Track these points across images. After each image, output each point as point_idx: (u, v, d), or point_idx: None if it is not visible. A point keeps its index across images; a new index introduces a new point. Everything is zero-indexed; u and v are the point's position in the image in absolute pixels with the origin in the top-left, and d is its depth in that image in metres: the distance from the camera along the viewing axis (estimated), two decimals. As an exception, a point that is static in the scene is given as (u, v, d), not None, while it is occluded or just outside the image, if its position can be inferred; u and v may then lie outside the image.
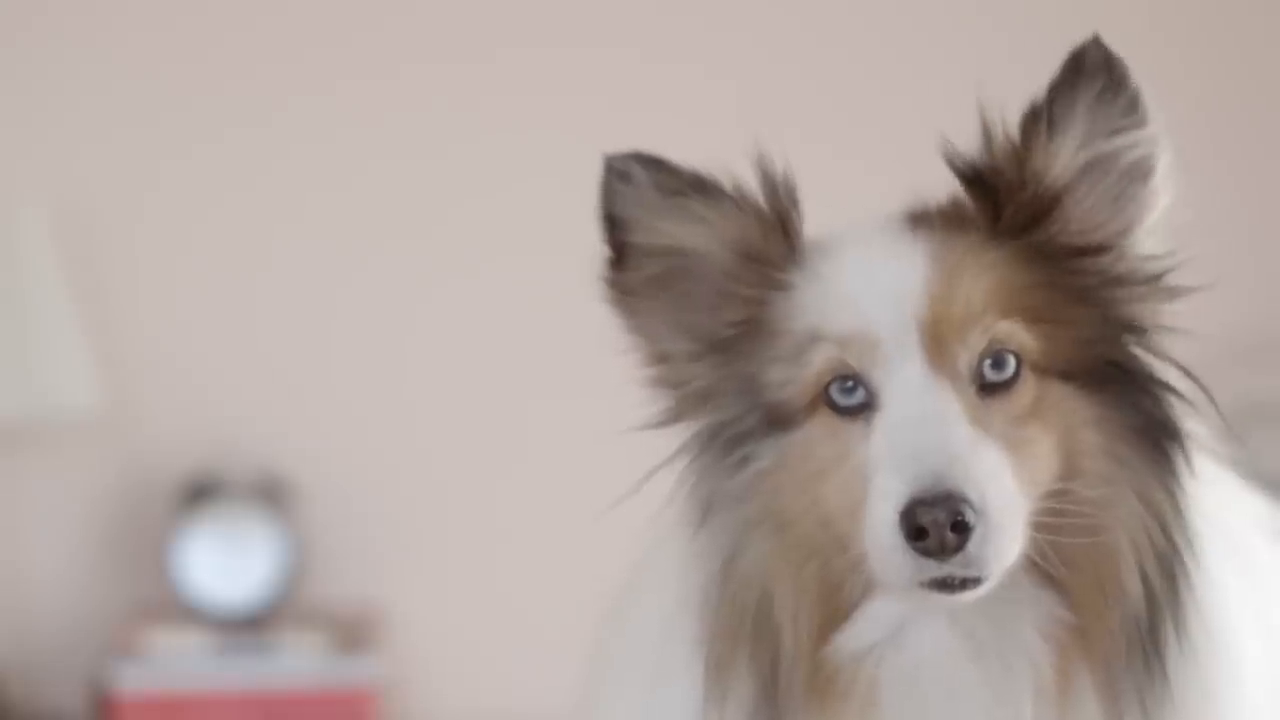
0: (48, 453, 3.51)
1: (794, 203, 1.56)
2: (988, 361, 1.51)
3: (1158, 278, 1.55)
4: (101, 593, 3.51)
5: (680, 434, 1.58)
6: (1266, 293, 3.52)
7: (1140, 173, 1.54)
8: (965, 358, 1.50)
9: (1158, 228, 1.55)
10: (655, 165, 1.56)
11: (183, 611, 3.41)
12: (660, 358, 1.58)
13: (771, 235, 1.55)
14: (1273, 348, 3.49)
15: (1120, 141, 1.53)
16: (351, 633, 3.41)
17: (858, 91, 3.46)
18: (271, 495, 3.44)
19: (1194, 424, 1.54)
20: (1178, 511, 1.52)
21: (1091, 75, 1.52)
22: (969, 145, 1.54)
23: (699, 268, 1.56)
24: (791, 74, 3.50)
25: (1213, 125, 3.47)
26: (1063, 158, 1.53)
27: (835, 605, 1.53)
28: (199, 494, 3.42)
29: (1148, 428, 1.52)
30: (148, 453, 3.50)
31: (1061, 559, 1.50)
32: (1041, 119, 1.52)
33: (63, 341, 3.36)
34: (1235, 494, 1.62)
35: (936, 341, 1.49)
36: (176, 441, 3.50)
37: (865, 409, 1.51)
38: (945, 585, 1.46)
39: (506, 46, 3.51)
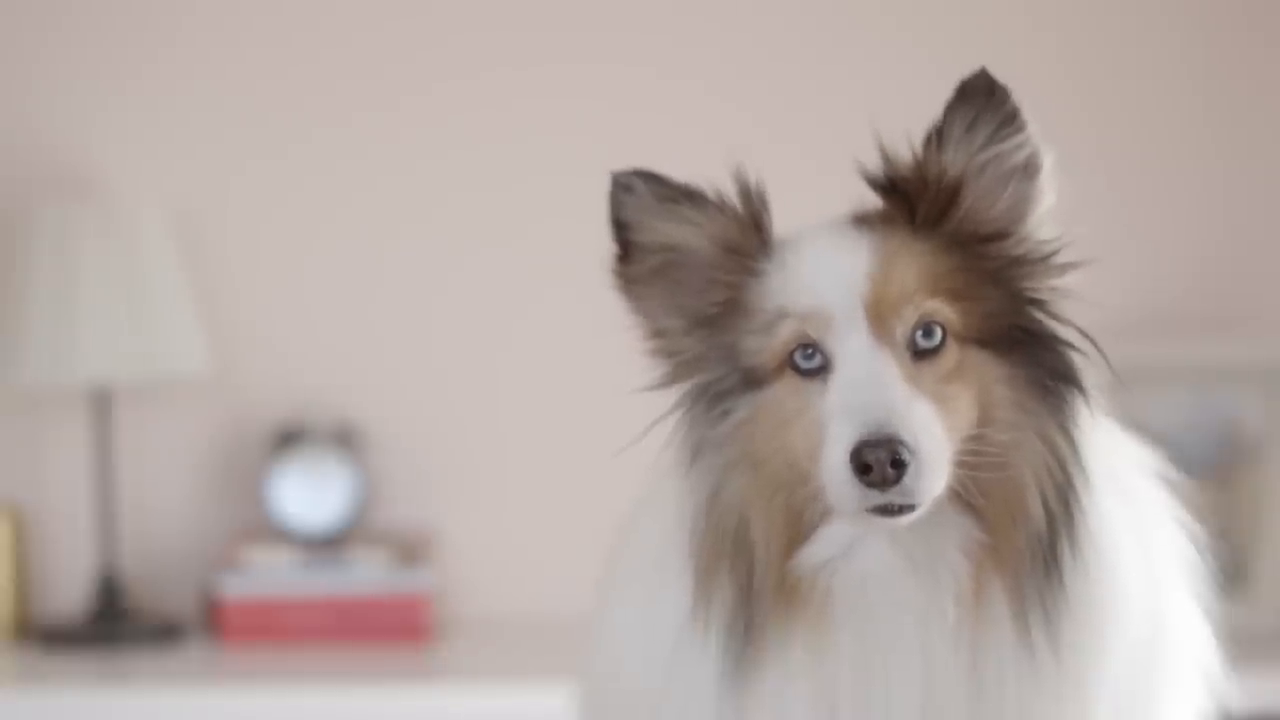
0: (167, 406, 3.51)
1: (765, 206, 1.56)
2: (919, 332, 1.51)
3: (1050, 257, 1.55)
4: (210, 518, 3.51)
5: (675, 393, 1.59)
6: (1147, 273, 3.50)
7: (1027, 172, 1.55)
8: (901, 329, 1.51)
9: (1048, 216, 1.56)
10: (653, 178, 1.57)
11: (275, 533, 3.41)
12: (658, 333, 1.59)
13: (747, 232, 1.56)
14: (1152, 320, 3.48)
15: (1001, 147, 1.53)
16: (409, 550, 3.41)
17: (820, 117, 3.45)
18: (346, 440, 3.44)
19: (1088, 378, 1.55)
20: (1073, 451, 1.52)
21: (972, 96, 1.53)
22: (873, 163, 1.55)
23: (689, 260, 1.57)
24: (768, 102, 3.50)
25: (1113, 141, 3.46)
26: (952, 163, 1.53)
27: (798, 528, 1.53)
28: (288, 439, 3.43)
29: (1049, 381, 1.53)
30: (246, 406, 3.50)
31: (979, 490, 1.51)
32: (934, 134, 1.53)
33: (178, 317, 3.36)
34: (1120, 439, 1.63)
35: (878, 317, 1.50)
36: (269, 397, 3.50)
37: (822, 371, 1.52)
38: (886, 511, 1.47)
39: (533, 67, 3.51)
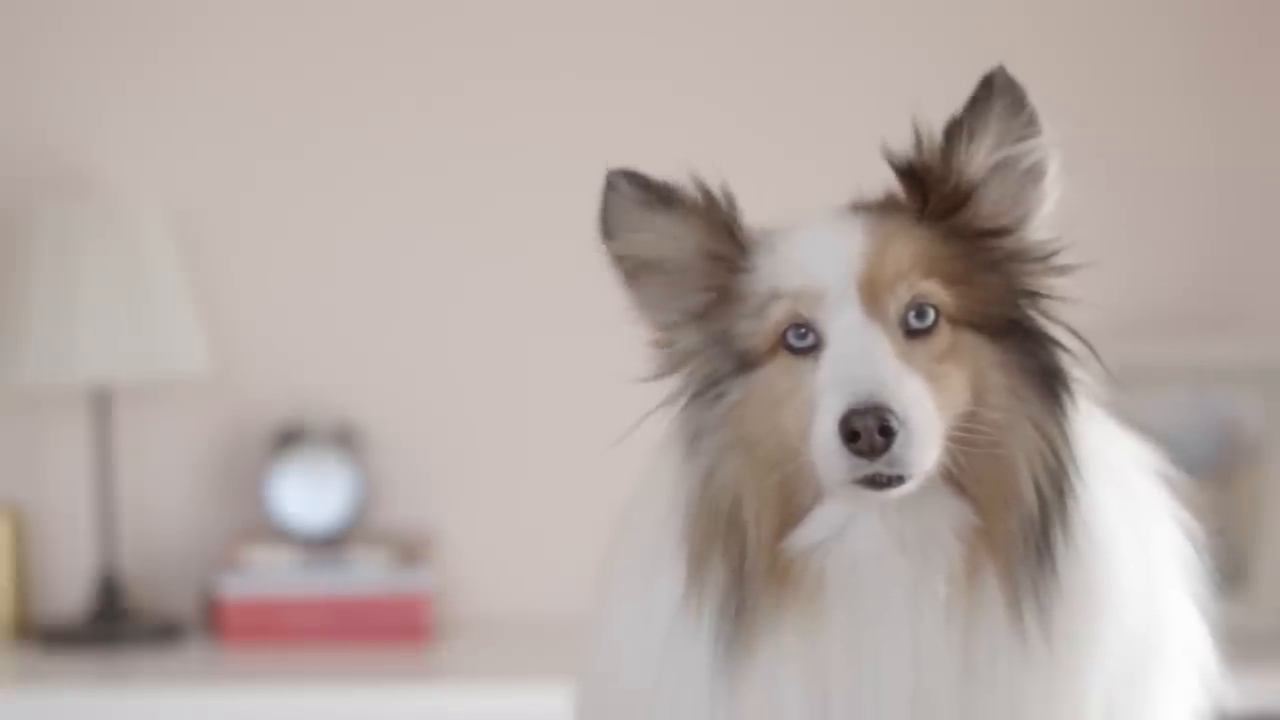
0: (167, 406, 3.52)
1: (734, 208, 1.58)
2: (912, 312, 1.52)
3: (1049, 257, 1.56)
4: (210, 518, 3.52)
5: (672, 383, 1.59)
6: (1147, 273, 3.51)
7: (1036, 173, 1.56)
8: (894, 307, 1.52)
9: (1050, 218, 1.56)
10: (636, 179, 1.58)
11: (275, 533, 3.41)
12: (657, 325, 1.59)
13: (721, 238, 1.57)
14: (1149, 320, 3.49)
15: (1022, 147, 1.55)
16: (409, 550, 3.42)
17: (813, 110, 3.46)
18: (346, 440, 3.45)
19: (1081, 374, 1.55)
20: (1065, 439, 1.53)
21: (999, 94, 1.54)
22: (902, 147, 1.55)
23: (666, 264, 1.58)
24: (780, 107, 3.51)
25: (1113, 141, 3.47)
26: (978, 158, 1.54)
27: (791, 509, 1.54)
28: (288, 439, 3.43)
29: (1041, 373, 1.54)
30: (247, 406, 3.51)
31: (971, 471, 1.51)
32: (962, 127, 1.53)
33: (178, 317, 3.37)
34: (1116, 434, 1.63)
35: (871, 294, 1.51)
36: (269, 397, 3.51)
37: (814, 349, 1.53)
38: (874, 482, 1.48)
39: (541, 79, 3.52)
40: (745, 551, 1.53)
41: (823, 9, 3.53)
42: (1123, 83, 3.54)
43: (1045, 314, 1.55)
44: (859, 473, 1.47)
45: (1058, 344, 1.54)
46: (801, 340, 1.53)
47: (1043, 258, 1.55)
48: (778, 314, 1.53)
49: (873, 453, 1.45)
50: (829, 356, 1.51)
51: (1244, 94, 3.55)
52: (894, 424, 1.45)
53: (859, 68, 3.50)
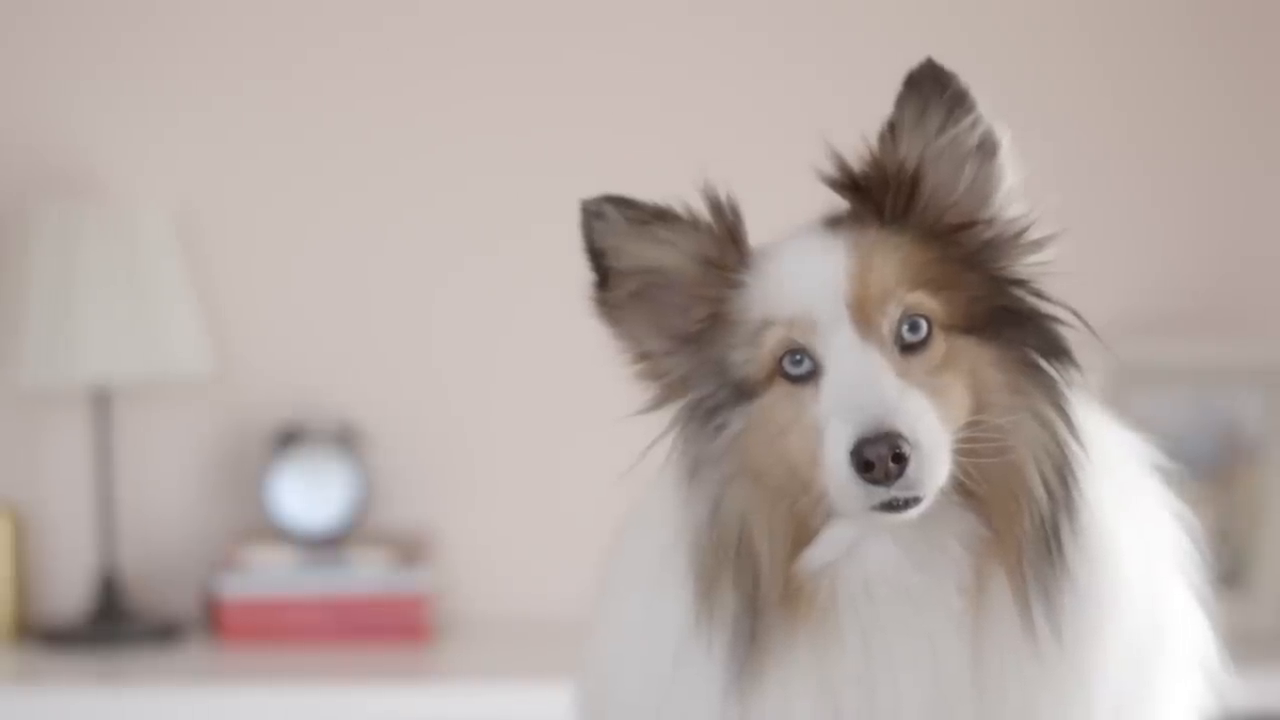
0: (169, 406, 3.54)
1: (739, 217, 1.57)
2: (904, 326, 1.53)
3: (1021, 234, 1.56)
4: (210, 518, 3.54)
5: (667, 413, 1.60)
6: (1147, 273, 3.52)
7: (984, 152, 1.56)
8: (886, 325, 1.53)
9: (1016, 194, 1.56)
10: (623, 202, 1.58)
11: (275, 533, 3.43)
12: (644, 356, 1.60)
13: (724, 246, 1.57)
14: (1149, 320, 3.49)
15: (954, 131, 1.55)
16: (409, 550, 3.44)
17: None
18: (346, 440, 3.46)
19: (1077, 350, 1.55)
20: (1069, 425, 1.55)
21: (918, 87, 1.55)
22: (829, 165, 1.57)
23: (669, 280, 1.59)
24: (766, 102, 3.52)
25: (1114, 141, 3.48)
26: (908, 153, 1.54)
27: (802, 535, 1.55)
28: (288, 439, 3.44)
29: (1038, 353, 1.54)
30: (247, 406, 3.52)
31: (981, 477, 1.52)
32: (887, 128, 1.53)
33: (180, 317, 3.38)
34: (1112, 428, 1.64)
35: (862, 315, 1.52)
36: (270, 398, 3.52)
37: (812, 375, 1.53)
38: (891, 506, 1.49)
39: (544, 83, 3.53)
40: (758, 579, 1.54)
41: (809, 21, 3.54)
42: (1123, 83, 3.55)
43: (1033, 293, 1.56)
44: (875, 500, 1.47)
45: (1050, 318, 1.55)
46: (798, 367, 1.53)
47: (1016, 237, 1.56)
48: (772, 342, 1.53)
49: (887, 479, 1.46)
50: (830, 383, 1.51)
51: (1244, 94, 3.56)
52: (906, 449, 1.45)
53: (848, 68, 3.51)
